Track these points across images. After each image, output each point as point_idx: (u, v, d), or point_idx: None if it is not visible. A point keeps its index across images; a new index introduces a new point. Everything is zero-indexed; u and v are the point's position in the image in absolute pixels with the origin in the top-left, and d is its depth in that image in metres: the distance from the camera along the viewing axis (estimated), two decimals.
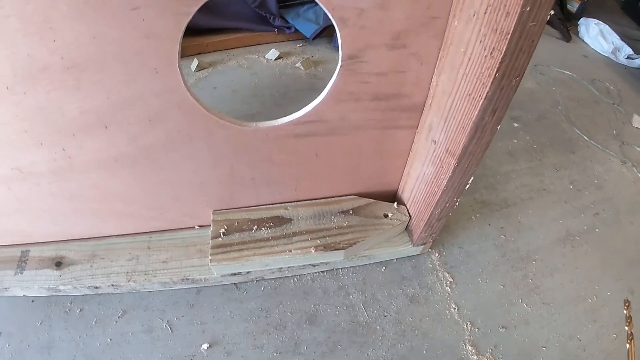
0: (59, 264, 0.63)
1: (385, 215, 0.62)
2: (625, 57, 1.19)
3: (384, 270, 0.66)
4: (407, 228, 0.65)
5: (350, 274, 0.66)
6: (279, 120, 0.53)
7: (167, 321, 0.61)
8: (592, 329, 0.65)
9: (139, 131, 0.50)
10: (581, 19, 1.33)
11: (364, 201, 0.64)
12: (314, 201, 0.64)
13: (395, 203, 0.64)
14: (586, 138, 0.92)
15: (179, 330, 0.61)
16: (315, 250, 0.58)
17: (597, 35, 1.23)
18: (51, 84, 0.42)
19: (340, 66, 0.46)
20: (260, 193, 0.62)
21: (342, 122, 0.53)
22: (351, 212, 0.62)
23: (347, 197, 0.65)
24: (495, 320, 0.63)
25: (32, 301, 0.62)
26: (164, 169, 0.56)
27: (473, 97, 0.43)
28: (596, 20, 1.27)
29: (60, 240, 0.65)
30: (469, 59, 0.42)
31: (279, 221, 0.61)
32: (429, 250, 0.68)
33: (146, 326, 0.61)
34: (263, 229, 0.60)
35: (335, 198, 0.64)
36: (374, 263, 0.66)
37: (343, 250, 0.58)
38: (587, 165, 0.87)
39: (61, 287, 0.60)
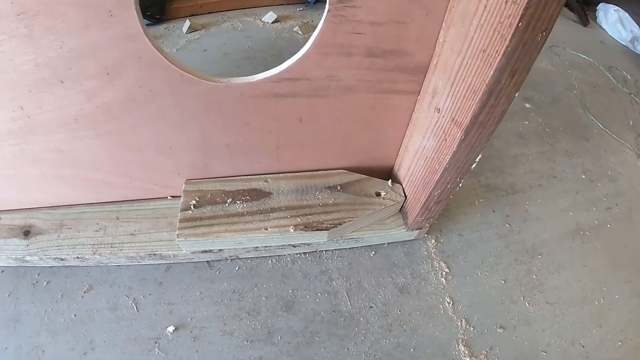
0: (27, 233, 0.56)
1: (378, 194, 0.54)
2: None
3: (373, 255, 0.58)
4: (401, 210, 0.57)
5: (334, 257, 0.57)
6: (255, 76, 0.44)
7: (134, 299, 0.54)
8: (597, 334, 0.57)
9: (97, 86, 0.42)
10: (600, 4, 1.21)
11: (354, 177, 0.56)
12: (297, 174, 0.56)
13: (390, 181, 0.56)
14: (601, 126, 0.82)
15: (145, 310, 0.53)
16: (295, 230, 0.50)
17: (616, 22, 1.12)
18: (2, 33, 0.36)
19: (328, 11, 0.37)
20: (236, 162, 0.53)
21: (330, 82, 0.44)
22: (339, 188, 0.54)
23: (336, 171, 0.56)
24: (493, 319, 0.55)
25: (2, 271, 0.56)
26: (127, 130, 0.48)
27: (488, 54, 0.34)
28: (615, 7, 1.16)
29: (30, 207, 0.59)
30: (485, 6, 0.33)
31: (257, 194, 0.53)
32: (425, 235, 0.60)
33: (111, 303, 0.54)
34: (238, 202, 0.52)
35: (322, 172, 0.56)
36: (362, 247, 0.58)
37: (326, 231, 0.50)
38: (601, 155, 0.78)
39: (28, 258, 0.55)
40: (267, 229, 0.50)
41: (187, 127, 0.48)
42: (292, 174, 0.56)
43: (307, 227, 0.50)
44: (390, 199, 0.54)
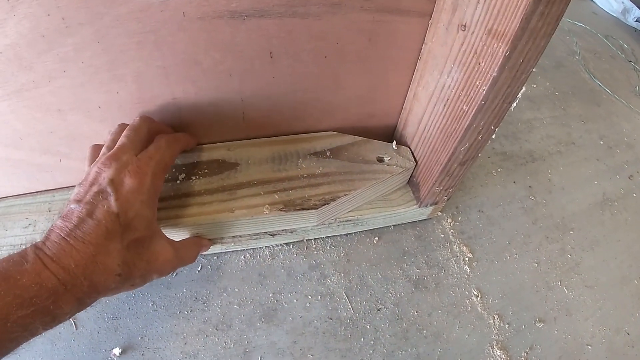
0: None
1: (380, 160, 0.39)
2: (635, 19, 0.99)
3: (377, 242, 0.42)
4: (410, 180, 0.42)
5: (327, 247, 0.42)
6: None
7: None
8: None
9: None
10: None
11: (347, 139, 0.40)
12: (272, 139, 0.40)
13: (394, 142, 0.40)
14: (609, 92, 0.71)
15: (85, 327, 0.37)
16: (270, 211, 0.34)
17: None
18: None
19: None
20: (189, 124, 0.37)
21: None
22: (328, 153, 0.39)
23: (323, 133, 0.41)
24: (530, 312, 0.41)
25: None
26: (41, 84, 0.32)
27: None
28: None
29: None
30: None
31: (218, 167, 0.37)
32: (439, 214, 0.45)
33: None
34: (194, 178, 0.36)
35: (306, 135, 0.40)
36: (362, 232, 0.43)
37: (315, 211, 0.34)
38: (614, 121, 0.66)
39: None
40: (233, 211, 0.34)
41: (116, 73, 0.32)
42: (265, 139, 0.40)
43: (288, 206, 0.35)
44: (397, 165, 0.39)
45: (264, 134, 0.39)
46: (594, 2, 1.01)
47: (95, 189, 0.27)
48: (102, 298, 0.38)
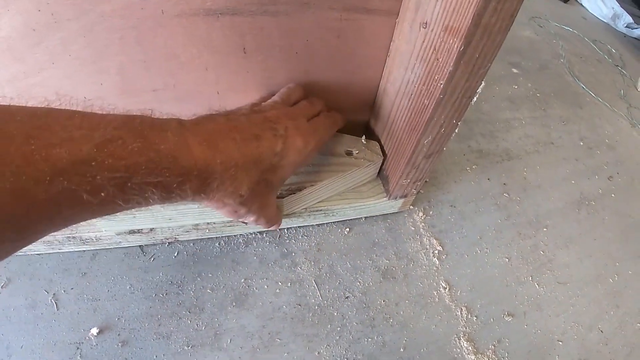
0: None
1: (348, 153, 0.39)
2: (625, 25, 0.99)
3: (348, 232, 0.43)
4: (380, 173, 0.42)
5: (299, 237, 0.42)
6: None
7: (54, 294, 0.38)
8: (615, 316, 0.44)
9: None
10: None
11: None
12: None
13: (364, 137, 0.41)
14: (592, 94, 0.71)
15: (66, 308, 0.38)
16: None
17: None
18: None
19: None
20: (169, 115, 0.39)
21: None
22: None
23: None
24: (499, 305, 0.41)
25: None
26: (31, 75, 0.33)
27: None
28: None
29: None
30: None
31: None
32: (410, 207, 0.46)
33: (30, 300, 0.38)
34: None
35: None
36: (333, 222, 0.43)
37: (281, 199, 0.35)
38: (596, 123, 0.66)
39: None
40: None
41: (101, 66, 0.33)
42: None
43: None
44: (364, 158, 0.39)
45: None
46: (584, 8, 1.02)
47: (268, 124, 0.29)
48: (84, 280, 0.39)
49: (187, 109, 0.38)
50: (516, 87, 0.65)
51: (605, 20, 0.98)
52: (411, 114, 0.33)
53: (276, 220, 0.35)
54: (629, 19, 0.99)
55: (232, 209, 0.28)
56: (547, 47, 0.77)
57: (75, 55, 0.33)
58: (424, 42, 0.30)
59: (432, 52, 0.30)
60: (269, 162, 0.28)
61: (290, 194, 0.35)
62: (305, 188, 0.36)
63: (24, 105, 0.21)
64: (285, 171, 0.30)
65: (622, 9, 0.99)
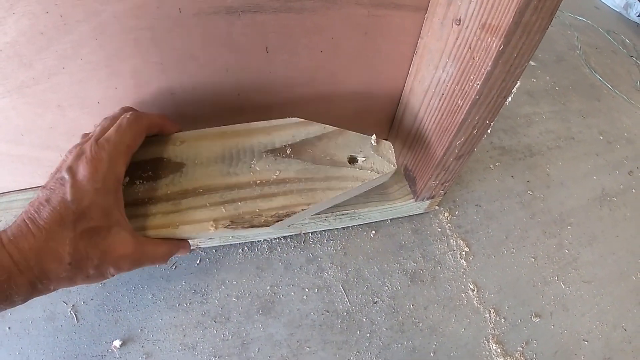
0: None
1: (352, 160, 0.33)
2: (637, 14, 0.97)
3: (374, 235, 0.42)
4: (406, 175, 0.41)
5: (324, 240, 0.41)
6: None
7: (73, 305, 0.37)
8: (638, 314, 0.44)
9: None
10: None
11: (315, 129, 0.33)
12: (226, 128, 0.34)
13: (374, 136, 0.33)
14: (610, 87, 0.70)
15: (86, 320, 0.37)
16: (216, 228, 0.29)
17: None
18: None
19: None
20: (188, 118, 0.37)
21: None
22: (289, 151, 0.32)
23: (285, 121, 0.34)
24: (526, 306, 0.41)
25: None
26: (41, 81, 0.32)
27: None
28: None
29: None
30: None
31: (163, 168, 0.32)
32: (436, 208, 0.45)
33: (48, 312, 0.37)
34: (137, 182, 0.31)
35: (265, 123, 0.34)
36: (358, 225, 0.42)
37: (267, 227, 0.30)
38: (615, 117, 0.65)
39: None
40: (177, 227, 0.30)
41: (114, 69, 0.32)
42: (218, 129, 0.34)
43: (235, 222, 0.30)
44: (372, 169, 0.32)
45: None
46: None
47: (57, 175, 0.27)
48: (104, 291, 0.38)
49: (206, 111, 0.37)
50: (535, 80, 0.64)
51: (617, 10, 0.96)
52: (442, 115, 0.32)
53: (159, 257, 0.30)
54: None
55: (79, 280, 0.27)
56: (562, 38, 0.76)
57: (87, 59, 0.31)
58: (457, 39, 0.29)
59: (468, 51, 0.28)
60: (72, 214, 0.25)
61: (278, 221, 0.30)
62: (295, 213, 0.30)
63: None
64: (96, 204, 0.26)
65: None
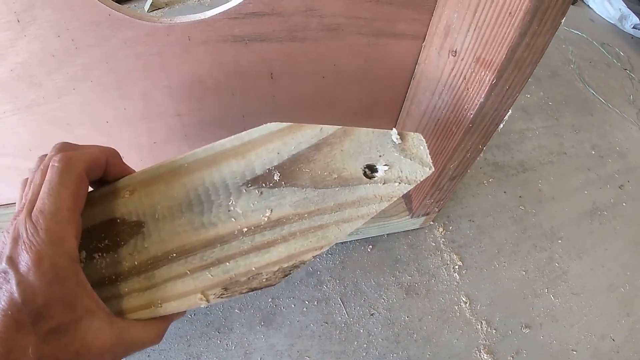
0: None
1: (371, 171, 0.24)
2: (632, 26, 0.99)
3: (371, 250, 0.44)
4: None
5: (323, 255, 0.43)
6: (207, 12, 0.30)
7: None
8: (626, 324, 0.46)
9: (6, 41, 0.28)
10: None
11: (307, 135, 0.24)
12: (182, 159, 0.24)
13: (395, 131, 0.24)
14: (603, 100, 0.72)
15: None
16: (208, 300, 0.23)
17: (604, 1, 1.03)
18: None
19: None
20: (193, 139, 0.39)
21: (309, 19, 0.30)
22: (277, 176, 0.23)
23: (261, 129, 0.24)
24: (517, 318, 0.43)
25: None
26: (51, 100, 0.33)
27: None
28: None
29: None
30: None
31: (119, 232, 0.24)
32: (431, 223, 0.47)
33: None
34: (97, 256, 0.24)
35: (233, 139, 0.24)
36: (356, 240, 0.44)
37: (273, 285, 0.24)
38: (607, 130, 0.67)
39: None
40: (160, 305, 0.23)
41: (124, 92, 0.34)
42: (171, 164, 0.24)
43: (230, 289, 0.23)
44: (399, 180, 0.23)
45: None
46: (591, 9, 1.02)
47: (0, 266, 0.20)
48: None
49: (211, 132, 0.38)
50: (529, 95, 0.66)
51: (612, 22, 0.98)
52: (437, 139, 0.34)
53: (149, 338, 0.24)
54: (636, 19, 0.99)
55: None
56: (557, 52, 0.78)
57: (97, 81, 0.33)
58: (452, 69, 0.31)
59: (462, 81, 0.30)
60: (27, 315, 0.20)
61: (285, 276, 0.23)
62: (304, 263, 0.23)
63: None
64: (53, 299, 0.21)
65: (629, 10, 0.99)
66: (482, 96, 0.28)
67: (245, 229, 0.23)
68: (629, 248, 0.53)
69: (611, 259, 0.51)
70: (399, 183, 0.23)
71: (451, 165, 0.34)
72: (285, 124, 0.24)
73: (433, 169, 0.24)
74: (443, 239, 0.46)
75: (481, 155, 0.56)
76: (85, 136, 0.37)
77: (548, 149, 0.59)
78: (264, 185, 0.23)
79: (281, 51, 0.33)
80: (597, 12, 1.00)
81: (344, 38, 0.33)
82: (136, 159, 0.40)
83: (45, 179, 0.22)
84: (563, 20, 0.26)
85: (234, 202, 0.23)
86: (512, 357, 0.40)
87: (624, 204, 0.58)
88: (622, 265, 0.51)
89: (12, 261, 0.20)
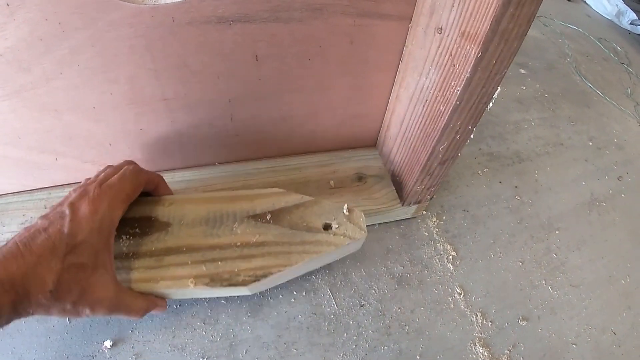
0: None
1: (327, 227, 0.35)
2: (629, 22, 0.99)
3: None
4: (394, 180, 0.42)
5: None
6: None
7: None
8: (627, 317, 0.44)
9: None
10: None
11: (293, 198, 0.36)
12: (211, 195, 0.37)
13: (346, 206, 0.35)
14: (600, 93, 0.71)
15: (78, 321, 0.37)
16: (195, 285, 0.31)
17: None
18: None
19: None
20: (180, 124, 0.38)
21: None
22: (268, 217, 0.35)
23: (268, 191, 0.37)
24: (513, 310, 0.41)
25: None
26: (39, 85, 0.33)
27: None
28: None
29: None
30: None
31: (150, 226, 0.34)
32: (424, 212, 0.45)
33: None
34: (124, 237, 0.34)
35: (248, 192, 0.37)
36: None
37: (244, 287, 0.32)
38: (605, 122, 0.66)
39: None
40: (157, 281, 0.31)
41: (110, 75, 0.33)
42: (204, 195, 0.37)
43: (214, 281, 0.31)
44: (344, 235, 0.34)
45: (252, 134, 0.40)
46: (588, 5, 1.01)
47: (59, 209, 0.29)
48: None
49: (198, 117, 0.38)
50: (524, 87, 0.65)
51: (609, 18, 0.98)
52: (426, 121, 0.33)
53: (134, 310, 0.32)
54: (633, 15, 0.99)
55: (55, 311, 0.27)
56: (553, 47, 0.77)
57: (84, 65, 0.33)
58: (439, 47, 0.30)
59: (448, 58, 0.29)
60: (65, 246, 0.27)
61: (255, 281, 0.31)
62: (271, 274, 0.32)
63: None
64: (88, 242, 0.28)
65: (626, 6, 0.99)
66: (469, 71, 0.27)
67: (239, 243, 0.33)
68: (630, 240, 0.51)
69: (611, 250, 0.50)
70: (343, 237, 0.34)
71: (440, 148, 0.33)
72: (281, 190, 0.37)
73: (367, 233, 0.35)
74: (436, 229, 0.45)
75: (475, 145, 0.55)
76: (73, 122, 0.36)
77: (544, 139, 0.57)
78: (259, 220, 0.35)
79: (265, 32, 0.32)
80: (594, 9, 1.00)
81: (328, 18, 0.32)
82: (123, 147, 0.39)
83: (119, 172, 0.32)
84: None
85: (237, 226, 0.34)
86: (509, 351, 0.39)
87: (623, 195, 0.56)
88: (622, 257, 0.50)
89: (73, 206, 0.28)
